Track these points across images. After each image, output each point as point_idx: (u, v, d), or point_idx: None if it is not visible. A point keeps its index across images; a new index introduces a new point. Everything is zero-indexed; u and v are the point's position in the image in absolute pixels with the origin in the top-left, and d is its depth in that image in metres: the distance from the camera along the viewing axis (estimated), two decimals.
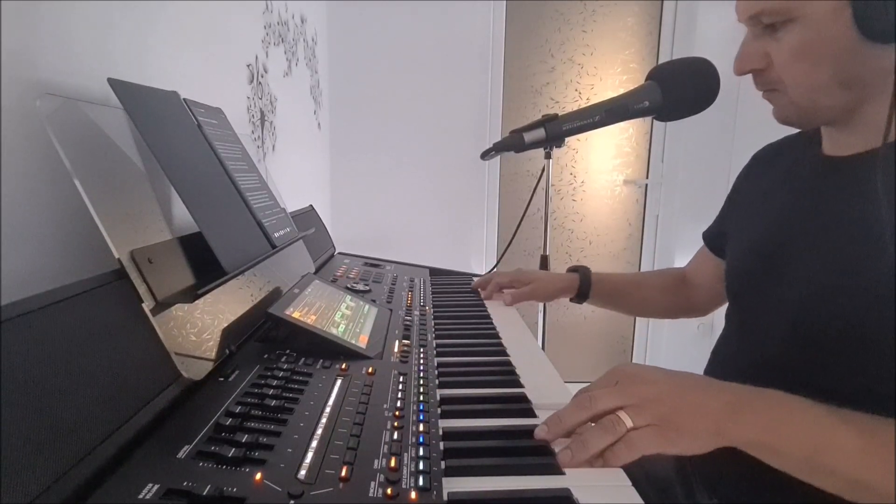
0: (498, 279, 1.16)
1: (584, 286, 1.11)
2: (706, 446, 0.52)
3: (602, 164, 2.52)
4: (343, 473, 0.45)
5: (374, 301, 0.96)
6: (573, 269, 1.14)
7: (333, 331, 0.74)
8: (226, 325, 0.67)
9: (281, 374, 0.62)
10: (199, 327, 0.61)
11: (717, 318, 0.91)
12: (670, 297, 1.09)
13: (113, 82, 0.61)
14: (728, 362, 0.81)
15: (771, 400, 0.54)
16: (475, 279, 1.25)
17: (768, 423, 0.52)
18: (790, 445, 0.51)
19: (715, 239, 0.96)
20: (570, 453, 0.51)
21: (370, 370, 0.67)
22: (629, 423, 0.52)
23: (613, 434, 0.51)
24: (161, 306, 0.56)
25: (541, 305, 1.30)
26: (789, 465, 0.52)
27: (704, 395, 0.54)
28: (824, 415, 0.51)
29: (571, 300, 1.13)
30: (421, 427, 0.55)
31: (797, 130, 0.76)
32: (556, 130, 1.03)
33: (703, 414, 0.52)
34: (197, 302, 0.61)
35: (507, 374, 0.73)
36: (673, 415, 0.52)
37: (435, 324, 0.93)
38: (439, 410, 0.60)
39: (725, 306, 0.86)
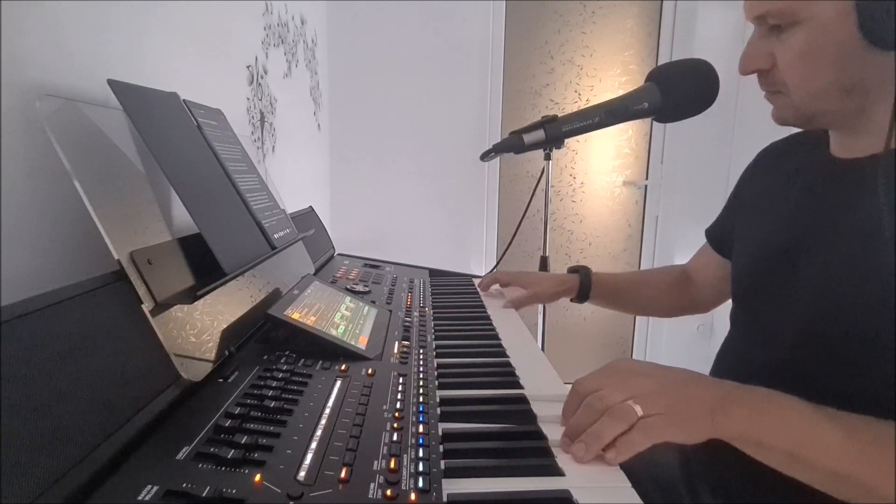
0: (501, 279, 1.19)
1: (584, 287, 1.11)
2: (702, 437, 0.53)
3: (602, 165, 2.52)
4: (342, 475, 0.45)
5: (373, 302, 0.96)
6: (574, 270, 1.14)
7: (333, 332, 0.74)
8: (225, 326, 0.67)
9: (280, 375, 0.62)
10: (198, 328, 0.61)
11: (717, 319, 0.91)
12: (673, 295, 1.09)
13: (113, 83, 0.61)
14: (736, 365, 0.80)
15: (758, 395, 0.55)
16: (478, 281, 1.26)
17: (755, 416, 0.53)
18: (774, 439, 0.52)
19: (718, 238, 0.96)
20: (584, 447, 0.51)
21: (370, 371, 0.67)
22: (640, 412, 0.52)
23: (626, 422, 0.52)
24: (160, 307, 0.56)
25: (540, 307, 1.30)
26: (773, 459, 0.53)
27: (698, 387, 0.56)
28: (809, 411, 0.53)
29: (572, 300, 1.14)
30: (420, 428, 0.54)
31: (797, 130, 0.76)
32: (556, 132, 1.03)
33: (699, 405, 0.54)
34: (196, 303, 0.61)
35: (507, 376, 0.73)
36: (676, 405, 0.54)
37: (434, 325, 0.93)
38: (439, 411, 0.60)
39: (729, 308, 0.85)
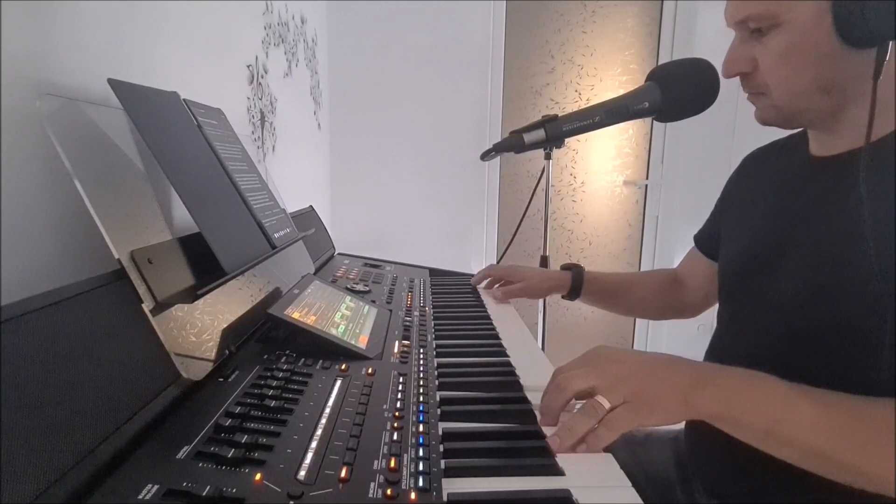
0: (493, 273, 1.20)
1: (575, 284, 1.13)
2: (676, 419, 0.55)
3: (602, 164, 2.52)
4: (343, 474, 0.45)
5: (373, 302, 0.96)
6: (567, 267, 1.16)
7: (333, 331, 0.74)
8: (225, 325, 0.67)
9: (281, 374, 0.62)
10: (198, 328, 0.61)
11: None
12: (663, 297, 1.11)
13: (113, 83, 0.61)
14: (723, 362, 0.81)
15: (734, 375, 0.57)
16: (472, 279, 1.27)
17: (730, 396, 0.55)
18: (750, 417, 0.54)
19: (706, 241, 0.98)
20: (558, 440, 0.54)
21: (370, 371, 0.67)
22: (607, 405, 0.55)
23: (594, 416, 0.55)
24: (161, 307, 0.56)
25: (541, 306, 1.31)
26: (750, 437, 0.55)
27: (671, 371, 0.58)
28: (783, 389, 0.54)
29: (563, 297, 1.15)
30: (420, 428, 0.55)
31: (785, 133, 0.79)
32: (556, 131, 1.03)
33: (670, 388, 0.56)
34: (197, 302, 0.61)
35: (507, 375, 0.73)
36: (643, 390, 0.56)
37: (435, 324, 0.93)
38: (439, 411, 0.60)
39: (716, 306, 0.86)
